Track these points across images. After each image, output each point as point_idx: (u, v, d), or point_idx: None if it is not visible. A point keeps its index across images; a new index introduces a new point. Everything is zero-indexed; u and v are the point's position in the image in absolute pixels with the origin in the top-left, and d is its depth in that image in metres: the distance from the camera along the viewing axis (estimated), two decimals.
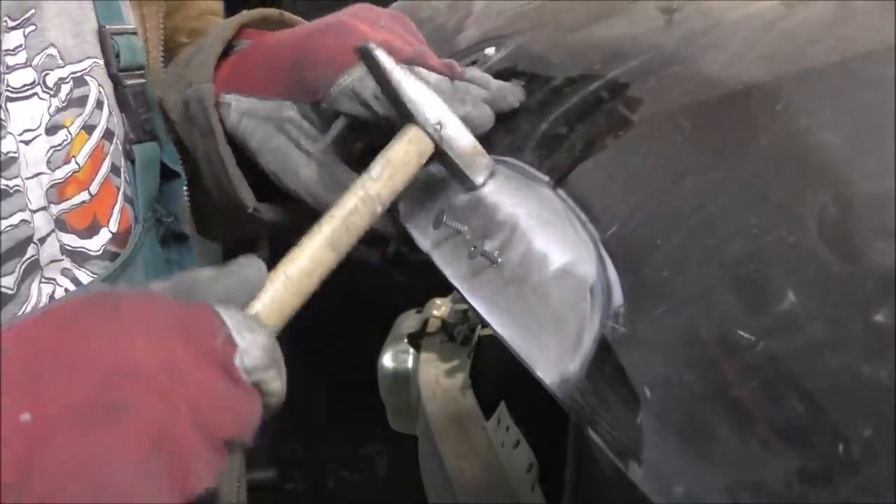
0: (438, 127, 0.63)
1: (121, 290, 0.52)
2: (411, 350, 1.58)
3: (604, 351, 0.47)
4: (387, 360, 1.49)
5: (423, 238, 0.63)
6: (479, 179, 0.63)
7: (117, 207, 0.74)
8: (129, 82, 0.75)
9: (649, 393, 0.44)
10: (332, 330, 1.84)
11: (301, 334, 0.87)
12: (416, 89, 0.64)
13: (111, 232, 0.73)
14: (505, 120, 0.64)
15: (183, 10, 0.91)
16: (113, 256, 0.74)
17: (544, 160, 0.58)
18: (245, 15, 0.81)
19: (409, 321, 1.48)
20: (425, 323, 1.59)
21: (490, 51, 0.72)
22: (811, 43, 0.58)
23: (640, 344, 0.46)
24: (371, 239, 0.71)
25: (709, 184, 0.50)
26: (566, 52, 0.68)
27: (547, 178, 0.57)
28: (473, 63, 0.72)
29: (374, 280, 1.86)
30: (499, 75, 0.68)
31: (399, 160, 0.62)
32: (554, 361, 0.49)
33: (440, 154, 0.63)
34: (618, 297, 0.48)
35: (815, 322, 0.41)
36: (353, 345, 1.63)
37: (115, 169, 0.74)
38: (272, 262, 0.58)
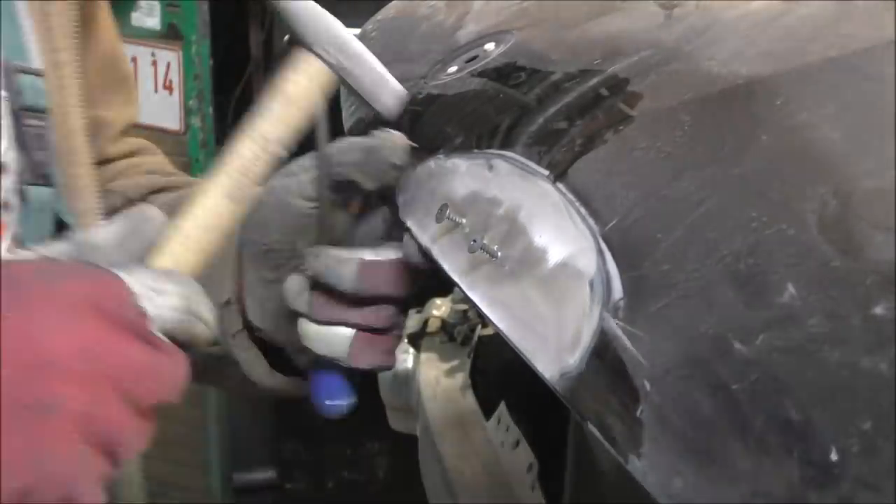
0: (334, 51, 0.59)
1: (16, 264, 0.51)
2: (411, 350, 1.58)
3: (603, 345, 0.47)
4: None
5: (422, 232, 0.63)
6: (389, 105, 0.60)
7: (4, 245, 0.71)
8: (29, 122, 0.73)
9: (649, 386, 0.44)
10: None
11: None
12: (309, 11, 0.60)
13: None
14: (504, 114, 0.64)
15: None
16: None
17: (544, 154, 0.58)
18: None
19: (408, 321, 1.48)
20: (425, 323, 1.59)
21: (489, 46, 0.72)
22: (811, 39, 0.58)
23: (639, 338, 0.46)
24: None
25: (708, 178, 0.50)
26: (566, 49, 0.68)
27: (546, 173, 0.57)
28: (473, 59, 0.72)
29: None
30: (498, 71, 0.68)
31: (294, 95, 0.58)
32: (553, 355, 0.49)
33: (342, 81, 0.60)
34: (617, 290, 0.48)
35: (815, 316, 0.41)
36: None
37: (5, 205, 0.72)
38: None
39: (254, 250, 0.71)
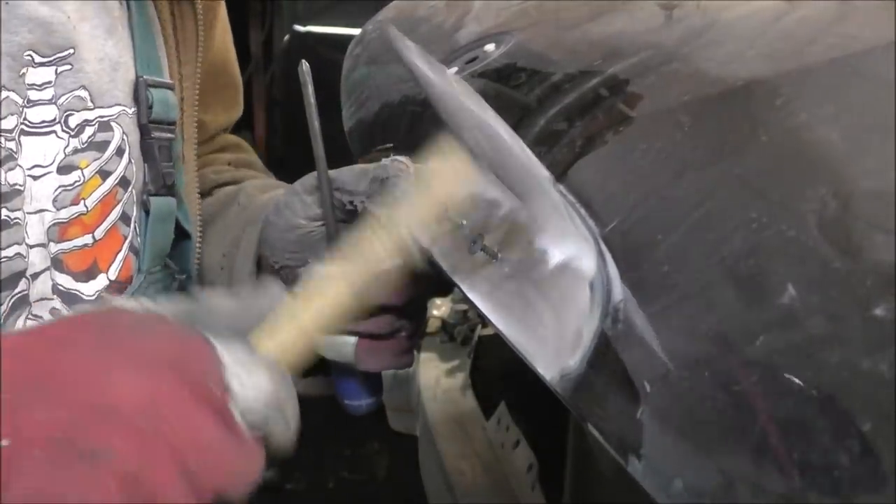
0: (482, 140, 0.56)
1: (123, 311, 0.49)
2: None
3: (604, 346, 0.47)
4: None
5: (422, 233, 0.63)
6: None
7: (120, 256, 0.74)
8: (156, 134, 0.76)
9: (649, 388, 0.44)
10: None
11: None
12: (461, 96, 0.59)
13: (109, 279, 0.73)
14: (505, 115, 0.64)
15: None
16: None
17: (544, 155, 0.58)
18: None
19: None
20: (425, 323, 1.59)
21: (490, 47, 0.72)
22: (811, 40, 0.58)
23: (639, 339, 0.46)
24: None
25: (708, 179, 0.50)
26: (566, 49, 0.68)
27: (547, 174, 0.57)
28: (473, 60, 0.72)
29: None
30: (499, 72, 0.68)
31: (437, 188, 0.55)
32: (554, 357, 0.49)
33: (486, 171, 0.55)
34: (618, 292, 0.48)
35: (815, 316, 0.41)
36: None
37: (125, 217, 0.74)
38: None
39: (268, 269, 0.74)
